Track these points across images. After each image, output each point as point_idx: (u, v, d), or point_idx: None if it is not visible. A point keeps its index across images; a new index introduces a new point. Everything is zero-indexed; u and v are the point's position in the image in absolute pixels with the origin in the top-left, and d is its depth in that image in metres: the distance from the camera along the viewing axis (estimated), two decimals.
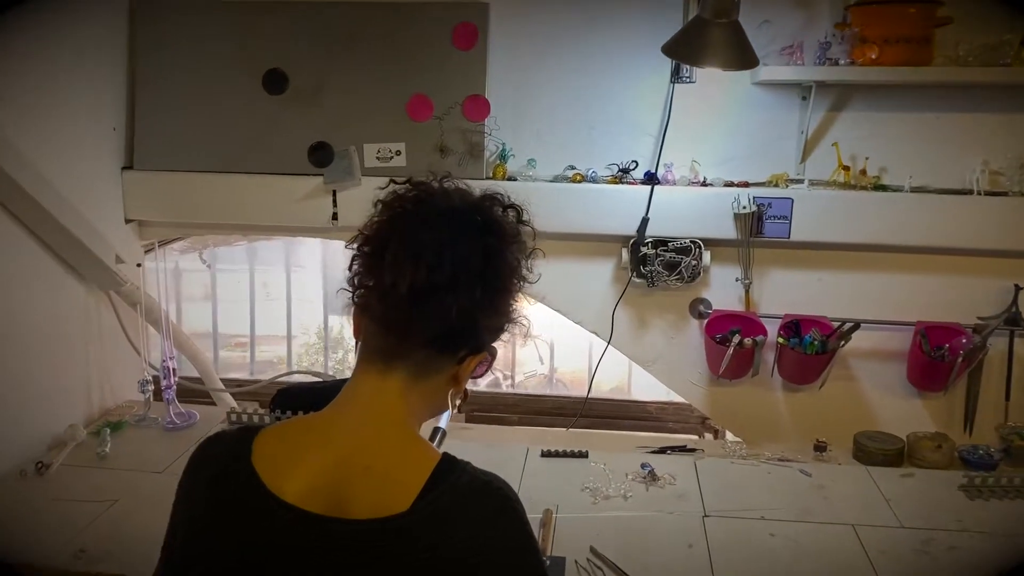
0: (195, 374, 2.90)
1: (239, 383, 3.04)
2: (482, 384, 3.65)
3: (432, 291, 1.01)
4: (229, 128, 2.55)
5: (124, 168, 2.57)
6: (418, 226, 1.05)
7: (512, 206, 1.13)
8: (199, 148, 2.56)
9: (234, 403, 2.85)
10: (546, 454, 2.27)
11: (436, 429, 1.80)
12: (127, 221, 2.59)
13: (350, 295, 1.10)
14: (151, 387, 2.42)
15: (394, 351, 1.06)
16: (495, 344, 1.14)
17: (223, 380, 3.02)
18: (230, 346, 3.85)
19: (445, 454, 1.06)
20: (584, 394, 2.85)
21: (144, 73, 2.56)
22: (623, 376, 3.75)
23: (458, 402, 1.20)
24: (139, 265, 2.44)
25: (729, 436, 2.84)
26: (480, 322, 1.06)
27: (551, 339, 3.53)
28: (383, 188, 1.15)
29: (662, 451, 2.33)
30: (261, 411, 2.41)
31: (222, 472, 1.03)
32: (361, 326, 1.10)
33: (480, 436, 2.48)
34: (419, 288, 1.01)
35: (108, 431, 2.31)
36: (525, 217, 1.12)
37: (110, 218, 2.52)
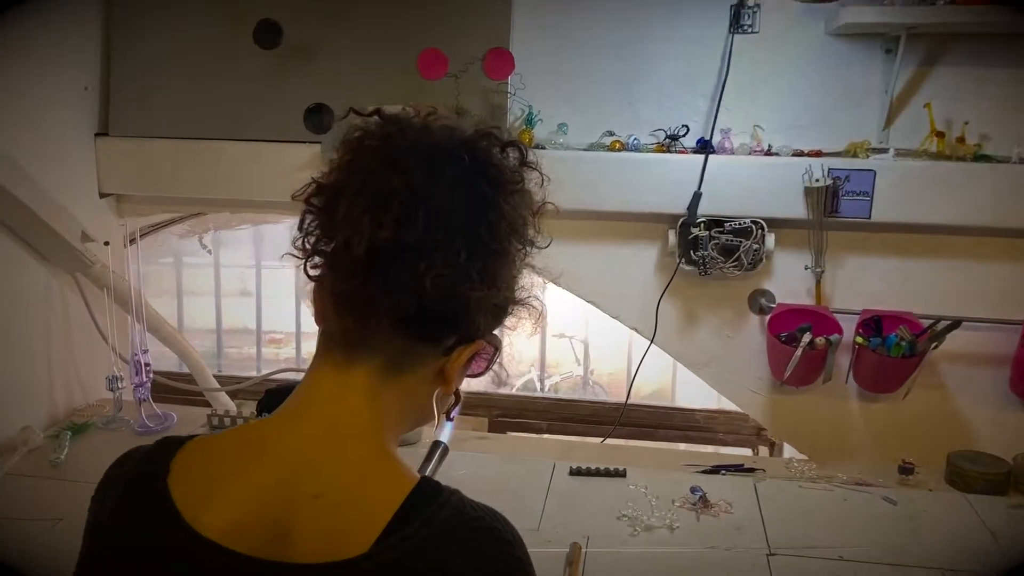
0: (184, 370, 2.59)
1: (237, 380, 2.73)
2: (516, 385, 3.31)
3: (398, 253, 0.76)
4: (217, 89, 2.23)
5: (98, 134, 2.26)
6: (383, 167, 0.79)
7: (513, 143, 0.84)
8: (183, 111, 2.25)
9: (231, 404, 2.54)
10: (576, 472, 1.90)
11: (435, 444, 1.45)
12: (102, 195, 2.28)
13: (301, 264, 0.83)
14: (122, 384, 2.10)
15: (356, 338, 0.81)
16: (496, 331, 0.87)
17: (239, 378, 2.71)
18: (265, 343, 3.61)
19: (425, 479, 0.81)
20: (622, 399, 2.49)
21: (121, 26, 2.25)
22: (666, 379, 3.38)
23: (449, 407, 0.91)
24: (107, 243, 2.12)
25: (787, 450, 2.46)
26: (468, 297, 0.78)
27: (585, 336, 3.16)
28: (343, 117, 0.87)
29: (715, 471, 1.95)
30: (247, 415, 2.08)
31: (128, 497, 0.81)
32: (322, 307, 0.84)
33: (500, 447, 2.12)
34: (380, 248, 0.76)
35: (68, 435, 1.99)
36: (531, 159, 0.86)
37: (81, 192, 2.21)
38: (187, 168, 2.25)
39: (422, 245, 0.75)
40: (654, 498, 1.79)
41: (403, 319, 0.78)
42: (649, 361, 2.28)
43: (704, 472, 1.95)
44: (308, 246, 0.82)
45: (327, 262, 0.81)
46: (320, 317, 0.85)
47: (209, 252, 3.17)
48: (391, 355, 0.81)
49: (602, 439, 2.30)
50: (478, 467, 1.93)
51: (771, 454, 2.68)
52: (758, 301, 2.15)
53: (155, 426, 2.09)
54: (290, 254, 0.86)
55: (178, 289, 3.26)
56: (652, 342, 2.17)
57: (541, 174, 0.88)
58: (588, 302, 2.22)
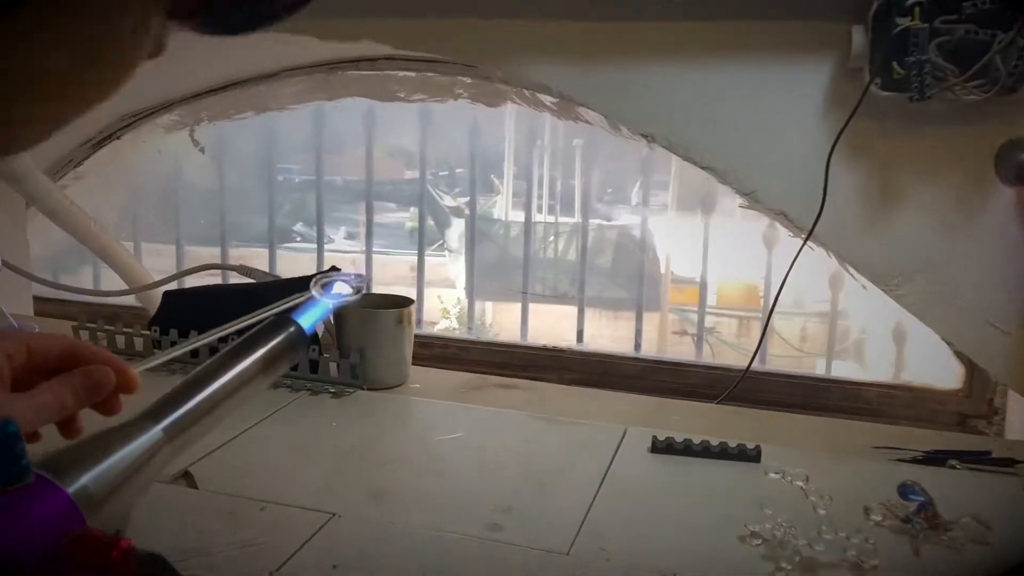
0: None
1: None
2: (590, 338, 2.40)
3: None
4: None
5: None
6: None
7: None
8: None
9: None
10: (664, 447, 1.01)
11: (279, 322, 0.58)
12: None
13: None
14: None
15: None
16: None
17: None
18: None
19: None
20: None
21: None
22: (814, 333, 2.41)
23: None
24: None
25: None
26: None
27: (702, 273, 2.22)
28: None
29: (937, 459, 1.01)
30: (127, 327, 1.28)
31: None
32: None
33: (540, 401, 1.22)
34: None
35: None
36: None
37: None
38: None
39: None
40: (823, 500, 0.87)
41: None
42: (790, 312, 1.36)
43: (914, 462, 1.01)
44: None
45: None
46: None
47: (202, 151, 2.42)
48: None
49: (717, 400, 1.38)
50: (489, 429, 1.07)
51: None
52: (1016, 157, 1.17)
53: None
54: None
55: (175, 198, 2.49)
56: (812, 232, 1.24)
57: None
58: (704, 168, 1.31)
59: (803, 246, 1.24)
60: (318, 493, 0.88)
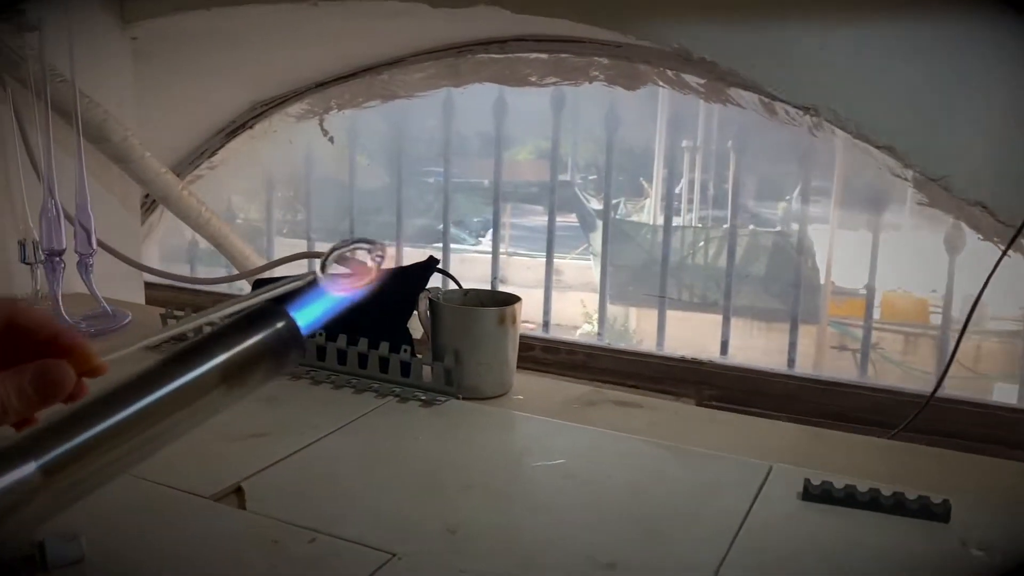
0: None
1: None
2: (737, 352, 2.16)
3: None
4: None
5: None
6: None
7: None
8: None
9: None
10: (818, 493, 0.79)
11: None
12: None
13: None
14: (40, 254, 1.28)
15: None
16: None
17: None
18: None
19: None
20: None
21: None
22: (990, 352, 2.09)
23: None
24: (35, 30, 1.29)
25: None
26: None
27: (869, 282, 1.94)
28: None
29: None
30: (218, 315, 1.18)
31: None
32: None
33: (669, 425, 1.02)
34: None
35: None
36: None
37: None
38: None
39: None
40: None
41: None
42: None
43: None
44: None
45: None
46: None
47: (331, 141, 2.35)
48: None
49: (891, 434, 1.13)
50: (599, 456, 0.89)
51: None
52: None
53: (92, 328, 1.25)
54: None
55: (306, 192, 2.44)
56: (1022, 228, 0.98)
57: None
58: (880, 149, 1.07)
59: (1012, 242, 0.98)
60: (381, 525, 0.73)
